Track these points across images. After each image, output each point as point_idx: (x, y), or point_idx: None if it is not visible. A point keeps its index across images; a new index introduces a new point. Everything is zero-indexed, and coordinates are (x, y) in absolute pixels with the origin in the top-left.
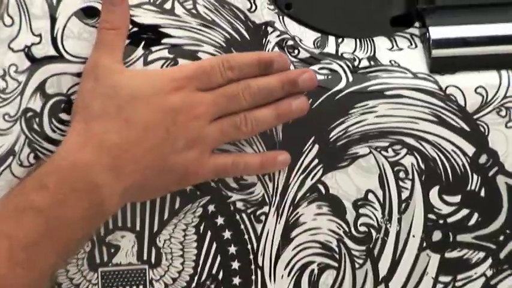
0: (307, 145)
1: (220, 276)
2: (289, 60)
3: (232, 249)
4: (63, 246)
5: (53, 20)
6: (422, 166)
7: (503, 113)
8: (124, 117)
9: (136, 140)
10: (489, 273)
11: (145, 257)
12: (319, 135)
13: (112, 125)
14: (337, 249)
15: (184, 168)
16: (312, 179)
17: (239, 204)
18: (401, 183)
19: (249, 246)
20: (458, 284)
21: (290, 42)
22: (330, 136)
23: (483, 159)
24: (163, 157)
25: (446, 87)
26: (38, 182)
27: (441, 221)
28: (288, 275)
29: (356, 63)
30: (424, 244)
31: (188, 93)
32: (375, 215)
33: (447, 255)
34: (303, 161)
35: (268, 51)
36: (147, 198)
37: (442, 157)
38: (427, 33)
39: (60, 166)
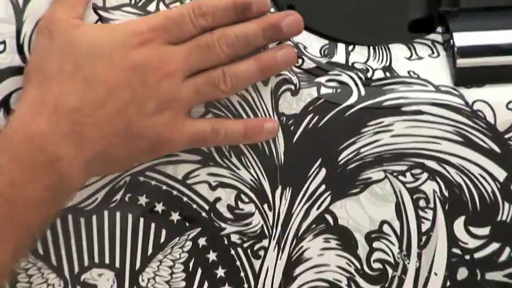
0: (313, 169)
1: None
2: (293, 70)
3: None
4: (24, 230)
5: (19, 25)
6: (446, 193)
7: None
8: (82, 76)
9: (98, 103)
10: None
11: None
12: (327, 157)
13: (69, 86)
14: None
15: (156, 135)
16: (318, 208)
17: (234, 237)
18: (421, 213)
19: (246, 286)
20: None
21: None
22: (339, 159)
23: None
24: (131, 122)
25: (473, 103)
26: None
27: (467, 257)
28: None
29: (369, 74)
30: (448, 283)
31: (156, 48)
32: (390, 250)
33: None
34: (308, 188)
35: None
36: (116, 170)
37: (469, 183)
38: (451, 40)
39: (12, 141)
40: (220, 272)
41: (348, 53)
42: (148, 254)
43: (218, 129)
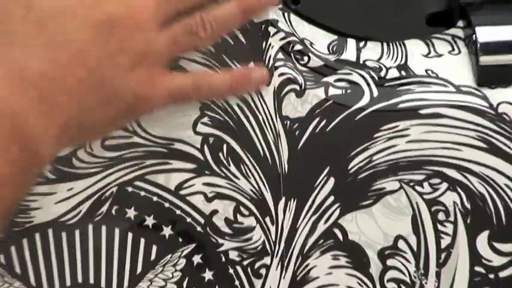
0: (321, 178)
1: None
2: (298, 69)
3: None
4: None
5: None
6: (468, 205)
7: None
8: (47, 37)
9: (68, 63)
10: None
11: None
12: (336, 165)
13: (33, 49)
14: None
15: (132, 94)
16: (326, 222)
17: (233, 254)
18: (440, 227)
19: None
20: None
21: (298, 47)
22: (350, 167)
23: None
24: (104, 82)
25: (498, 104)
26: None
27: (491, 276)
28: None
29: (382, 73)
30: None
31: None
32: (406, 268)
33: None
34: (314, 199)
35: (270, 57)
36: (92, 137)
37: (493, 193)
38: (474, 35)
39: None
40: None
41: (359, 50)
42: (138, 273)
43: (201, 82)
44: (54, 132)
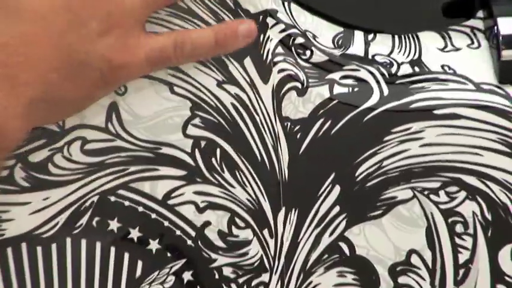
0: (325, 186)
1: None
2: (299, 64)
3: None
4: None
5: None
6: (489, 216)
7: None
8: (5, 7)
9: (31, 34)
10: None
11: None
12: (342, 172)
13: None
14: None
15: (106, 61)
16: (331, 235)
17: (227, 271)
18: (458, 241)
19: None
20: None
21: (300, 40)
22: (357, 173)
23: None
24: (72, 51)
25: None
26: None
27: None
28: None
29: (394, 69)
30: None
31: None
32: (420, 286)
33: None
34: (318, 209)
35: (268, 51)
36: (66, 114)
37: None
38: (495, 27)
39: None
40: None
41: (367, 43)
42: None
43: (182, 42)
44: (19, 113)
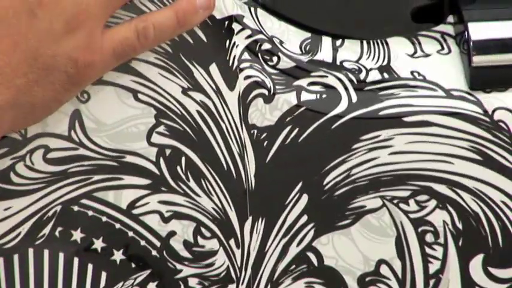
0: (292, 195)
1: None
2: (266, 71)
3: None
4: None
5: None
6: (459, 225)
7: None
8: None
9: None
10: None
11: None
12: (309, 180)
13: None
14: None
15: (72, 62)
16: (298, 245)
17: (193, 282)
18: (428, 251)
19: None
20: None
21: (266, 46)
22: (325, 182)
23: None
24: (37, 54)
25: (493, 111)
26: None
27: None
28: None
29: (362, 75)
30: None
31: None
32: None
33: None
34: (285, 219)
35: (234, 58)
36: (35, 119)
37: (488, 212)
38: (466, 32)
39: None
40: None
41: (335, 49)
42: None
43: (145, 28)
44: None
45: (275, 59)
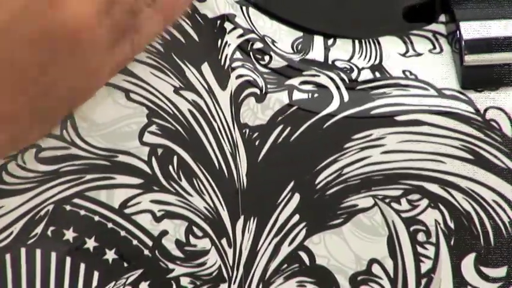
0: (284, 194)
1: None
2: (258, 70)
3: None
4: None
5: None
6: (451, 225)
7: None
8: None
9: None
10: None
11: None
12: (301, 179)
13: None
14: None
15: (71, 91)
16: (290, 244)
17: (185, 281)
18: (420, 250)
19: None
20: None
21: (258, 45)
22: (317, 181)
23: None
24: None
25: (485, 110)
26: None
27: None
28: None
29: (354, 75)
30: None
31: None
32: None
33: None
34: (277, 218)
35: (226, 57)
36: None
37: (480, 211)
38: (458, 32)
39: None
40: None
41: (327, 49)
42: None
43: (138, 44)
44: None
45: (267, 58)
